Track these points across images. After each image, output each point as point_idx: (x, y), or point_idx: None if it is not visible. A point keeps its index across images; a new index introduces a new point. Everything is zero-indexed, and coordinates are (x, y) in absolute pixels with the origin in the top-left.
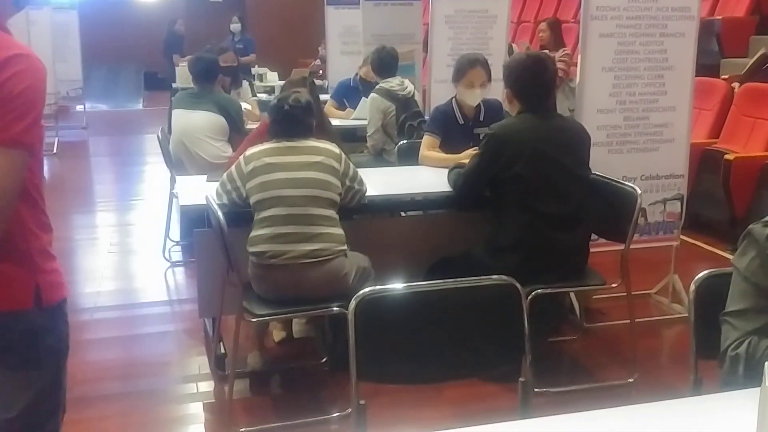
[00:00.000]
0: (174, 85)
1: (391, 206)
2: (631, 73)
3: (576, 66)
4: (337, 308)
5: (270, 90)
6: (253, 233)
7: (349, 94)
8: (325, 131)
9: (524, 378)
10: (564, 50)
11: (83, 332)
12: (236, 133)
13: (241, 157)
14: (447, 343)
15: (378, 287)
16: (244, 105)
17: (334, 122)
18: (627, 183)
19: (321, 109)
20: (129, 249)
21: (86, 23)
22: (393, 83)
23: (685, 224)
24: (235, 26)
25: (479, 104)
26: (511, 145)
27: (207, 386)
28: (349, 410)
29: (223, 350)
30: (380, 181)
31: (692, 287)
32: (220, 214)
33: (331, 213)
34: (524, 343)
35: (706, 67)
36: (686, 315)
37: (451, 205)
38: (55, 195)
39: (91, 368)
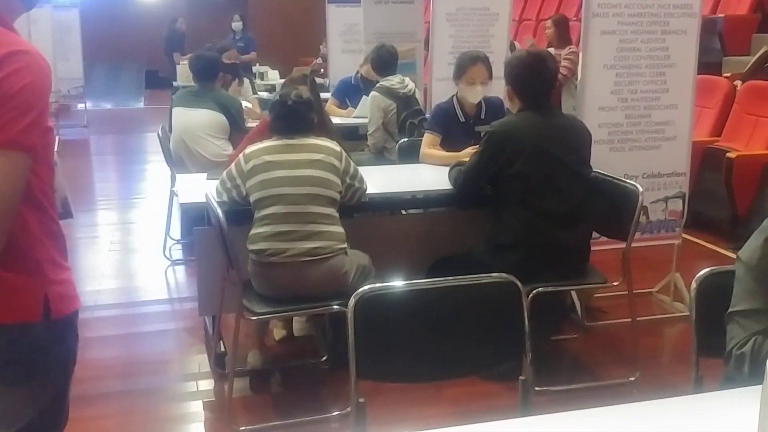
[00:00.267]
0: (175, 84)
1: (391, 204)
2: (632, 70)
3: None
4: (337, 306)
5: (271, 88)
6: (253, 231)
7: (351, 92)
8: (325, 129)
9: (525, 376)
10: (570, 48)
11: (83, 330)
12: (237, 131)
13: (241, 156)
14: (447, 342)
15: (378, 285)
16: (245, 103)
17: (335, 120)
18: (628, 181)
19: (321, 106)
20: (129, 247)
21: (87, 21)
22: (393, 81)
23: (687, 222)
24: (237, 24)
25: (480, 102)
26: (512, 142)
27: (207, 384)
28: (349, 408)
29: (223, 348)
30: (381, 179)
31: (693, 285)
32: (219, 212)
33: (332, 211)
34: (525, 342)
35: (708, 65)
36: (688, 313)
37: (451, 203)
38: None
39: (91, 366)
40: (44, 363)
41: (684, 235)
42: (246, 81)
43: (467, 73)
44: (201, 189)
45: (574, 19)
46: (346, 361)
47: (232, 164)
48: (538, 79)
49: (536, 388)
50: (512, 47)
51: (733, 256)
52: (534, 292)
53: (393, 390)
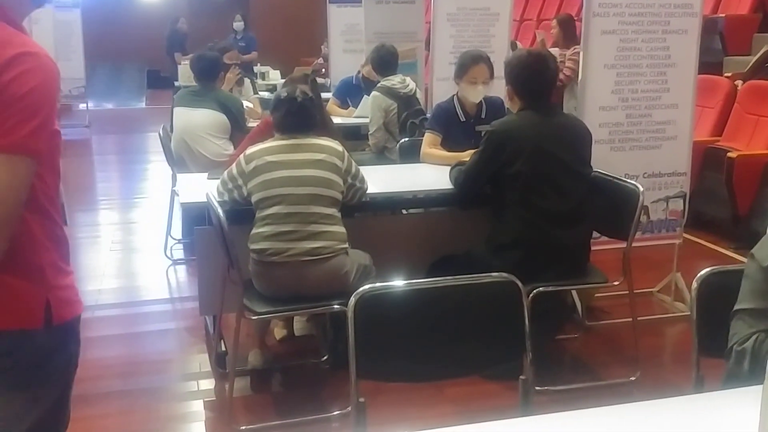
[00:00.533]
0: (176, 83)
1: (392, 204)
2: (633, 70)
3: None
4: (338, 306)
5: (272, 88)
6: (254, 231)
7: (352, 92)
8: (326, 129)
9: (525, 376)
10: (575, 49)
11: (85, 330)
12: (238, 130)
13: (242, 156)
14: (448, 341)
15: (378, 284)
16: (246, 103)
17: (336, 120)
18: (629, 181)
19: (322, 106)
20: (131, 247)
21: (89, 21)
22: (394, 81)
23: (688, 222)
24: (238, 24)
25: (481, 102)
26: (512, 142)
27: (208, 384)
28: (350, 408)
29: (224, 348)
30: (382, 179)
31: (694, 285)
32: (220, 211)
33: (333, 211)
34: (525, 341)
35: (709, 64)
36: (688, 313)
37: (452, 202)
38: None
39: (92, 366)
40: (46, 369)
41: (685, 235)
42: (247, 81)
43: (469, 73)
44: (202, 189)
45: (575, 18)
46: (347, 360)
47: (233, 164)
48: (538, 79)
49: (537, 388)
50: (513, 46)
51: (734, 255)
52: (534, 291)
53: (393, 389)
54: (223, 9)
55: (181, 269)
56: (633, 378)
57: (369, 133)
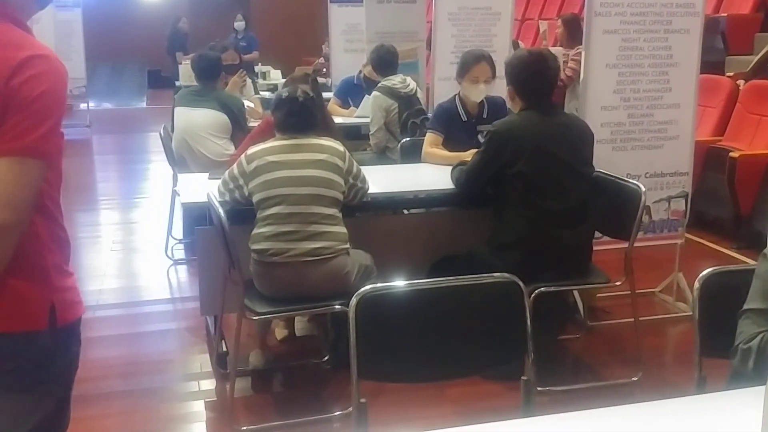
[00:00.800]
0: (177, 83)
1: (393, 204)
2: (635, 69)
3: None
4: (339, 306)
5: (273, 88)
6: (255, 231)
7: (353, 92)
8: (327, 128)
9: (527, 376)
10: (578, 48)
11: (86, 330)
12: (239, 130)
13: (243, 156)
14: (449, 342)
15: (379, 285)
16: (247, 102)
17: (337, 120)
18: (631, 180)
19: (323, 105)
20: (132, 247)
21: (90, 21)
22: (395, 81)
23: (690, 222)
24: (239, 24)
25: (483, 101)
26: (514, 142)
27: (209, 384)
28: (351, 408)
29: (225, 348)
30: (383, 179)
31: (697, 285)
32: (221, 211)
33: (334, 211)
34: (527, 342)
35: (711, 64)
36: (690, 313)
37: (453, 202)
38: None
39: (93, 366)
40: (49, 370)
41: (687, 235)
42: (248, 80)
43: (470, 72)
44: (203, 188)
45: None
46: (348, 361)
47: (234, 165)
48: (539, 79)
49: (539, 388)
50: (515, 46)
51: (736, 255)
52: (536, 291)
53: (395, 390)
54: (224, 8)
55: (182, 269)
56: (635, 378)
57: (370, 133)
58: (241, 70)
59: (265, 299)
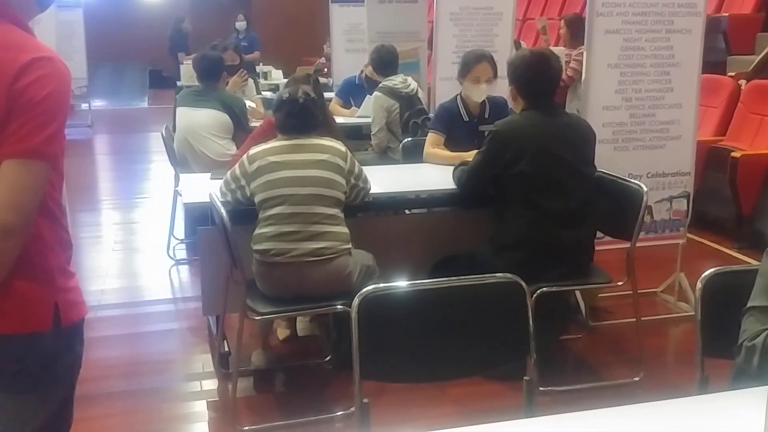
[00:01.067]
0: (179, 83)
1: (395, 204)
2: (637, 69)
3: None
4: (341, 306)
5: (274, 88)
6: (257, 231)
7: (355, 92)
8: (329, 129)
9: (529, 377)
10: (580, 49)
11: (87, 330)
12: (240, 130)
13: (245, 157)
14: (451, 342)
15: (381, 285)
16: (249, 103)
17: (338, 120)
18: (633, 180)
19: (325, 106)
20: (133, 247)
21: (91, 21)
22: (396, 81)
23: (692, 222)
24: (240, 24)
25: (484, 101)
26: (515, 142)
27: (211, 384)
28: (353, 408)
29: (227, 348)
30: (385, 179)
31: (699, 285)
32: (223, 211)
33: (336, 211)
34: (529, 342)
35: (713, 64)
36: (692, 313)
37: (455, 202)
38: None
39: (95, 366)
40: (53, 371)
41: (688, 235)
42: (250, 80)
43: (472, 72)
44: (205, 189)
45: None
46: (350, 361)
47: (236, 165)
48: (541, 79)
49: (540, 389)
50: (517, 45)
51: (738, 255)
52: (538, 291)
53: (397, 390)
54: (226, 8)
55: (184, 269)
56: (637, 378)
57: (371, 133)
58: (242, 70)
59: (267, 299)
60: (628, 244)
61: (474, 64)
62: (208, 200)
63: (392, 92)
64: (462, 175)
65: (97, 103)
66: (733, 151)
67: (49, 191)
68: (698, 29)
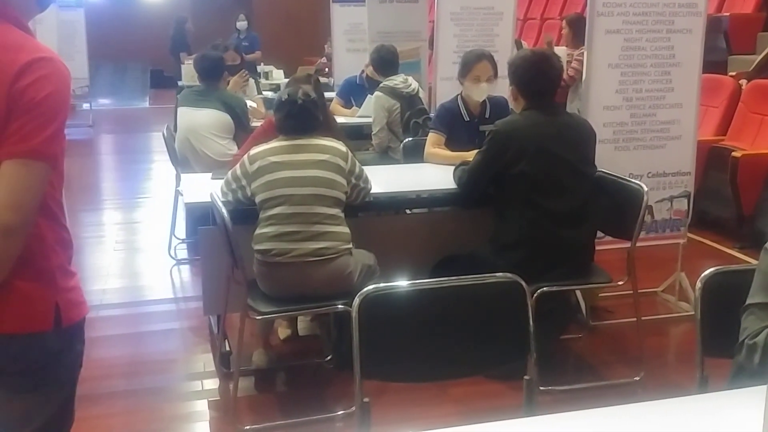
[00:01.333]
0: (180, 83)
1: (396, 204)
2: (637, 69)
3: None
4: (342, 306)
5: (275, 88)
6: (258, 231)
7: (356, 91)
8: (329, 129)
9: (529, 376)
10: (582, 49)
11: (89, 329)
12: (241, 130)
13: (246, 157)
14: (451, 341)
15: (382, 285)
16: (250, 102)
17: (339, 120)
18: (633, 180)
19: (326, 106)
20: (135, 247)
21: (92, 21)
22: (397, 81)
23: (692, 222)
24: (241, 24)
25: (485, 101)
26: (516, 141)
27: (212, 384)
28: (354, 408)
29: (228, 348)
30: (385, 179)
31: (699, 285)
32: (224, 211)
33: (337, 211)
34: (529, 341)
35: (714, 63)
36: (693, 313)
37: (456, 202)
38: None
39: (96, 365)
40: (54, 370)
41: (689, 235)
42: (251, 80)
43: (472, 71)
44: (206, 188)
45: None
46: (351, 360)
47: (237, 165)
48: (542, 79)
49: (541, 388)
50: (518, 45)
51: (739, 255)
52: (539, 291)
53: (397, 389)
54: (227, 8)
55: (185, 269)
56: (637, 378)
57: (372, 133)
58: (243, 70)
59: (268, 299)
60: (628, 244)
61: (474, 63)
62: (209, 200)
63: (393, 92)
64: (462, 175)
65: (99, 103)
66: (733, 150)
67: (49, 191)
68: (699, 29)
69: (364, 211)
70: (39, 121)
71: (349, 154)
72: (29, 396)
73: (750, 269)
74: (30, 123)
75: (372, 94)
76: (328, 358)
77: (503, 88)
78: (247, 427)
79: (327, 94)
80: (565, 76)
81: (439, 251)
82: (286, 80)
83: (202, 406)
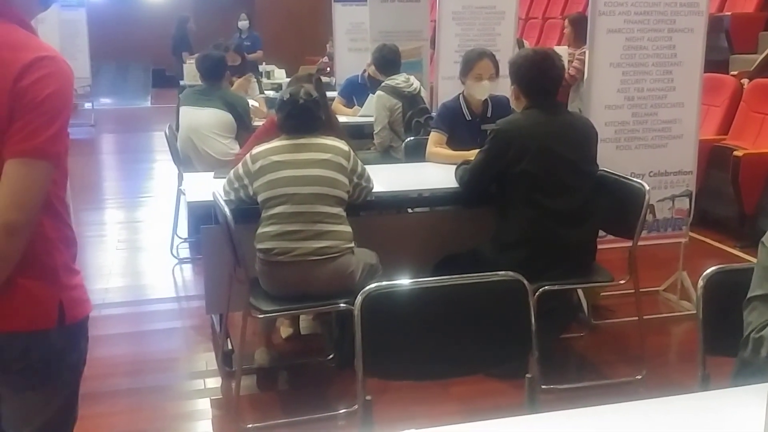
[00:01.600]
0: (182, 83)
1: (398, 203)
2: (639, 68)
3: None
4: (344, 304)
5: (277, 87)
6: (260, 230)
7: (357, 91)
8: (332, 128)
9: (531, 374)
10: (583, 48)
11: (91, 329)
12: (243, 130)
13: (248, 156)
14: (453, 340)
15: (384, 283)
16: (252, 102)
17: (341, 119)
18: (635, 179)
19: (328, 105)
20: (137, 246)
21: (94, 20)
22: (398, 80)
23: (694, 221)
24: (243, 23)
25: (486, 100)
26: (518, 141)
27: (214, 382)
28: (356, 406)
29: (230, 346)
30: (387, 178)
31: (700, 284)
32: (227, 210)
33: (339, 210)
34: (531, 340)
35: (715, 63)
36: (694, 312)
37: (457, 201)
38: None
39: (99, 364)
40: (58, 368)
41: (691, 234)
42: (253, 80)
43: (474, 69)
44: (208, 187)
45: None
46: (352, 359)
47: (239, 164)
48: (544, 78)
49: (543, 387)
50: (520, 44)
51: (740, 254)
52: (540, 290)
53: (400, 388)
54: (228, 8)
55: (187, 268)
56: (639, 377)
57: (374, 132)
58: (249, 73)
59: (271, 298)
60: (630, 243)
61: (476, 61)
62: (212, 199)
63: (395, 91)
64: (464, 174)
65: (101, 103)
66: (735, 150)
67: (53, 189)
68: (701, 28)
69: (366, 210)
70: (42, 119)
71: (352, 152)
72: (33, 393)
73: (752, 268)
74: (33, 122)
75: (374, 94)
76: (330, 356)
77: (505, 88)
78: (250, 426)
79: (328, 94)
80: (566, 75)
81: (441, 250)
82: (288, 80)
83: (204, 404)
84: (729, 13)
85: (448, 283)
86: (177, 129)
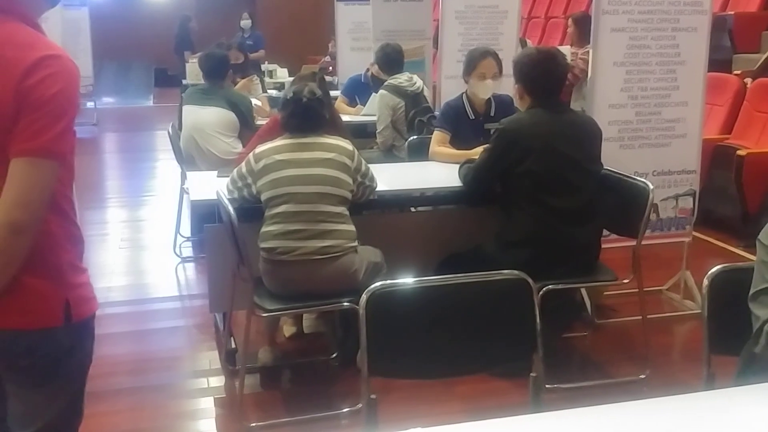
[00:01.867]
0: (184, 82)
1: (401, 202)
2: (642, 68)
3: None
4: (348, 303)
5: (280, 86)
6: (264, 229)
7: (360, 90)
8: (335, 127)
9: (535, 373)
10: (587, 47)
11: (95, 327)
12: (246, 129)
13: (251, 155)
14: (458, 338)
15: (389, 282)
16: (254, 101)
17: (344, 118)
18: (639, 178)
19: (331, 104)
20: (140, 245)
21: (97, 19)
22: (401, 79)
23: (697, 220)
24: (245, 22)
25: (490, 99)
26: (522, 140)
27: (218, 381)
28: (360, 405)
29: (233, 345)
30: (390, 177)
31: (705, 283)
32: (230, 209)
33: (342, 210)
34: (535, 339)
35: (719, 62)
36: (698, 311)
37: (461, 200)
38: None
39: (102, 363)
40: (65, 365)
41: (694, 233)
42: (255, 79)
43: (477, 68)
44: (211, 186)
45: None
46: (356, 357)
47: (243, 163)
48: (548, 77)
49: (547, 386)
50: (523, 44)
51: (744, 253)
52: (544, 289)
53: (403, 387)
54: (231, 7)
55: (191, 267)
56: (643, 376)
57: (377, 131)
58: (253, 75)
59: (274, 296)
60: (634, 242)
61: (479, 60)
62: (215, 198)
63: (398, 90)
64: (468, 173)
65: (103, 102)
66: (738, 149)
67: (59, 188)
68: (704, 27)
69: (369, 209)
70: (48, 118)
71: (356, 152)
72: (39, 391)
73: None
74: (39, 121)
75: (376, 93)
76: (334, 355)
77: (507, 87)
78: (253, 425)
79: (331, 93)
80: (569, 75)
81: (445, 249)
82: (290, 79)
83: (207, 403)
84: (732, 13)
85: (452, 282)
86: (180, 128)
